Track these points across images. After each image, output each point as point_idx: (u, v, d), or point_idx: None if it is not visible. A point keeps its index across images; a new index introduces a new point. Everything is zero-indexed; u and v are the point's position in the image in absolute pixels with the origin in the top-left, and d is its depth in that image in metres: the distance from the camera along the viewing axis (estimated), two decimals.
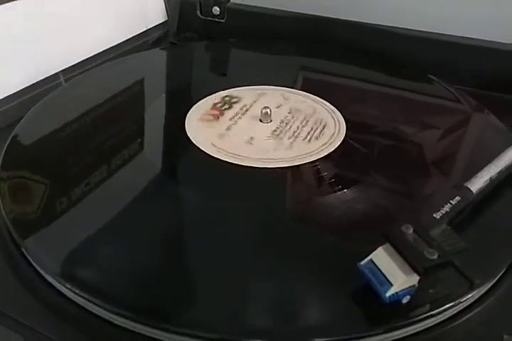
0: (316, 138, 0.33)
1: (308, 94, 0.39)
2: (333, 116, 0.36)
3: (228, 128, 0.34)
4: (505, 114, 0.37)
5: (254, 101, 0.38)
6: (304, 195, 0.30)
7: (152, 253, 0.26)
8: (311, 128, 0.34)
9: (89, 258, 0.25)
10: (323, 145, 0.33)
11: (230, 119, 0.35)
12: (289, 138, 0.33)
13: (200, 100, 0.37)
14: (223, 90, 0.39)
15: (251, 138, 0.33)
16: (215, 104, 0.37)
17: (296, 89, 0.40)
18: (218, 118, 0.35)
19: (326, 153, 0.32)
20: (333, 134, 0.34)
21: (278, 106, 0.37)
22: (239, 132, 0.34)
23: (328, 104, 0.38)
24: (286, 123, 0.35)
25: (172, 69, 0.46)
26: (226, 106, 0.37)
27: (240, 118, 0.35)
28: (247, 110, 0.36)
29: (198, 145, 0.32)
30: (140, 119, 0.36)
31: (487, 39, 0.42)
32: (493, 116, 0.37)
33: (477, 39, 0.43)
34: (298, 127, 0.35)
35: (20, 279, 0.25)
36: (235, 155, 0.31)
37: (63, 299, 0.24)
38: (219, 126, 0.34)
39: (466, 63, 0.43)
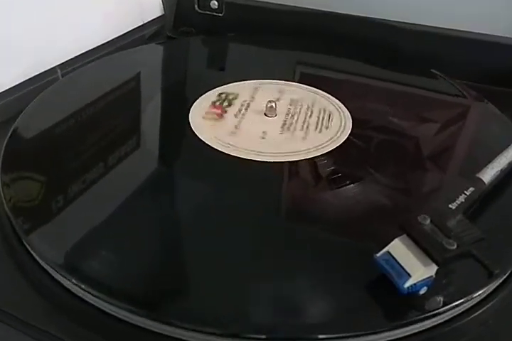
0: (327, 127, 0.33)
1: (302, 85, 0.38)
2: (333, 104, 0.36)
3: (237, 126, 0.33)
4: (507, 108, 0.37)
5: (253, 96, 0.37)
6: (324, 186, 0.30)
7: (160, 246, 0.25)
8: (318, 118, 0.34)
9: (91, 251, 0.24)
10: (335, 133, 0.33)
11: (235, 116, 0.35)
12: (301, 130, 0.33)
13: (199, 97, 0.36)
14: (218, 87, 0.38)
15: (263, 132, 0.33)
16: (214, 102, 0.36)
17: (290, 81, 0.39)
18: (222, 116, 0.34)
19: (342, 141, 0.32)
20: (341, 122, 0.34)
21: (277, 99, 0.36)
22: (249, 128, 0.33)
23: (325, 93, 0.37)
24: (292, 116, 0.34)
25: (169, 64, 0.45)
26: (226, 104, 0.36)
27: (244, 114, 0.35)
28: (248, 105, 0.36)
29: (209, 144, 0.31)
30: (138, 116, 0.35)
31: (489, 33, 0.42)
32: (496, 108, 0.37)
33: (479, 33, 0.43)
34: (305, 118, 0.34)
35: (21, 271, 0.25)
36: (251, 151, 0.31)
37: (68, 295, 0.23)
38: (227, 124, 0.34)
39: (468, 57, 0.43)
